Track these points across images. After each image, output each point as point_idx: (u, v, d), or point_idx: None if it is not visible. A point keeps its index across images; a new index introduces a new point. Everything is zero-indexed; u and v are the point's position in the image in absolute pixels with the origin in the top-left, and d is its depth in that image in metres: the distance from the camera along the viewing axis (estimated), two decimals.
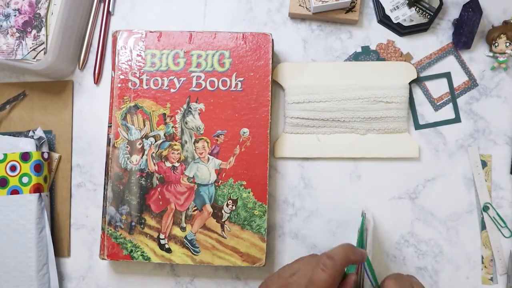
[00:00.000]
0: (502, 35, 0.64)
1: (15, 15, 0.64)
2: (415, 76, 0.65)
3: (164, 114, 0.63)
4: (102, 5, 0.69)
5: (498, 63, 0.65)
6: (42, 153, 0.64)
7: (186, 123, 0.63)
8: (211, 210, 0.62)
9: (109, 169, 0.62)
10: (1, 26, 0.64)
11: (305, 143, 0.65)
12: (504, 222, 0.64)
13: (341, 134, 0.65)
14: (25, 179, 0.63)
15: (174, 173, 0.62)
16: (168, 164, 0.62)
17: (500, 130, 0.65)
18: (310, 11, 0.66)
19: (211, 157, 0.62)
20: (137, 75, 0.63)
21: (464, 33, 0.64)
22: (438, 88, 0.66)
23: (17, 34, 0.64)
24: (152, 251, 0.61)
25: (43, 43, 0.64)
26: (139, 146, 0.63)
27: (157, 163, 0.62)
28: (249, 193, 0.61)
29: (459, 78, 0.66)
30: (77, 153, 0.67)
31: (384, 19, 0.66)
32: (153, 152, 0.62)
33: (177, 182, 0.62)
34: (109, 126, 0.63)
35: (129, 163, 0.62)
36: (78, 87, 0.68)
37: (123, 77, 0.63)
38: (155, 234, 0.62)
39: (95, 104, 0.68)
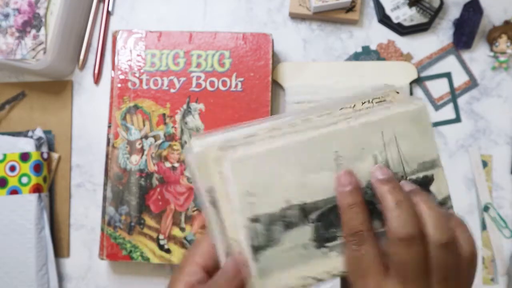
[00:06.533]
0: (503, 35, 0.64)
1: (14, 15, 0.64)
2: (416, 76, 0.65)
3: (164, 114, 0.63)
4: (102, 5, 0.69)
5: (499, 63, 0.65)
6: (42, 153, 0.64)
7: (186, 123, 0.62)
8: None
9: (108, 169, 0.62)
10: (1, 26, 0.64)
11: None
12: (505, 222, 0.64)
13: None
14: (24, 179, 0.63)
15: (173, 173, 0.62)
16: (167, 165, 0.62)
17: (500, 130, 0.65)
18: (310, 11, 0.66)
19: None
20: (137, 75, 0.63)
21: (465, 33, 0.64)
22: (439, 88, 0.66)
23: (17, 34, 0.64)
24: (152, 252, 0.61)
25: (43, 43, 0.64)
26: (139, 146, 0.62)
27: (156, 163, 0.62)
28: None
29: (459, 78, 0.66)
30: (77, 153, 0.67)
31: (384, 19, 0.66)
32: (153, 152, 0.62)
33: (176, 183, 0.62)
34: (109, 126, 0.63)
35: (128, 163, 0.62)
36: (78, 87, 0.68)
37: (123, 77, 0.63)
38: (155, 235, 0.61)
39: (94, 104, 0.68)
